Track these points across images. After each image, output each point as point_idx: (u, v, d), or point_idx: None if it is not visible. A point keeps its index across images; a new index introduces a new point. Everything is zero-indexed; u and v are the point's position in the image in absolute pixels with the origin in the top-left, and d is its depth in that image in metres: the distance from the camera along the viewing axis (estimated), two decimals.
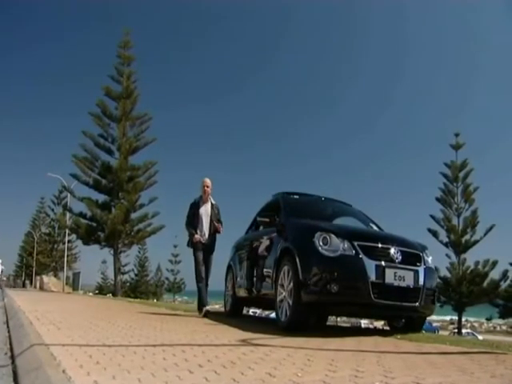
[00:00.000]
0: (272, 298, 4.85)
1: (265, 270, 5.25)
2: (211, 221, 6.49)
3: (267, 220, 5.23)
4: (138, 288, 46.63)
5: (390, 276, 4.07)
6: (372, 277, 4.00)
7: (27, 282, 52.99)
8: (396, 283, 4.09)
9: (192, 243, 6.43)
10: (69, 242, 38.41)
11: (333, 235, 4.19)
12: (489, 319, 37.27)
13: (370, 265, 4.04)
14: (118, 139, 24.51)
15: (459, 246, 28.07)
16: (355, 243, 4.15)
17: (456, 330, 30.52)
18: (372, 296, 3.97)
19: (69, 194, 27.82)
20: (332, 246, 4.12)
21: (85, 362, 2.37)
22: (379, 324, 33.85)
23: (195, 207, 6.53)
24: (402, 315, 4.58)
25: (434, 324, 42.42)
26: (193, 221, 6.47)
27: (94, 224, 23.90)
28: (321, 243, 4.14)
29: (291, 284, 4.29)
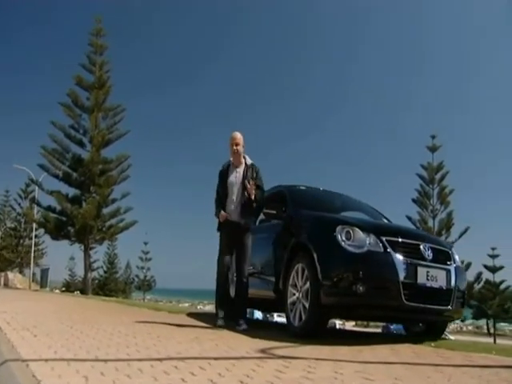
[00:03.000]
0: (276, 299, 4.33)
1: (270, 268, 4.69)
2: (244, 189, 4.74)
3: (274, 212, 4.63)
4: (107, 285, 45.16)
5: (422, 275, 3.59)
6: (402, 276, 3.51)
7: None
8: (428, 284, 3.61)
9: (219, 224, 4.84)
10: (36, 236, 36.76)
11: (357, 229, 3.67)
12: (462, 320, 37.81)
13: (400, 263, 3.55)
14: (89, 131, 23.32)
15: None
16: (383, 238, 3.64)
17: None
18: (403, 298, 3.47)
19: (37, 188, 26.40)
20: (356, 240, 3.61)
21: None
22: (350, 324, 33.85)
23: (224, 176, 4.90)
24: (432, 319, 4.09)
25: None
26: (223, 195, 4.84)
27: (64, 218, 22.69)
28: (343, 238, 3.61)
29: (307, 284, 3.75)
